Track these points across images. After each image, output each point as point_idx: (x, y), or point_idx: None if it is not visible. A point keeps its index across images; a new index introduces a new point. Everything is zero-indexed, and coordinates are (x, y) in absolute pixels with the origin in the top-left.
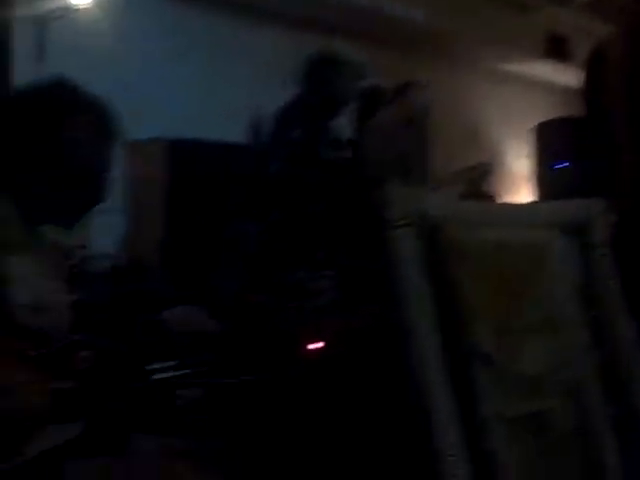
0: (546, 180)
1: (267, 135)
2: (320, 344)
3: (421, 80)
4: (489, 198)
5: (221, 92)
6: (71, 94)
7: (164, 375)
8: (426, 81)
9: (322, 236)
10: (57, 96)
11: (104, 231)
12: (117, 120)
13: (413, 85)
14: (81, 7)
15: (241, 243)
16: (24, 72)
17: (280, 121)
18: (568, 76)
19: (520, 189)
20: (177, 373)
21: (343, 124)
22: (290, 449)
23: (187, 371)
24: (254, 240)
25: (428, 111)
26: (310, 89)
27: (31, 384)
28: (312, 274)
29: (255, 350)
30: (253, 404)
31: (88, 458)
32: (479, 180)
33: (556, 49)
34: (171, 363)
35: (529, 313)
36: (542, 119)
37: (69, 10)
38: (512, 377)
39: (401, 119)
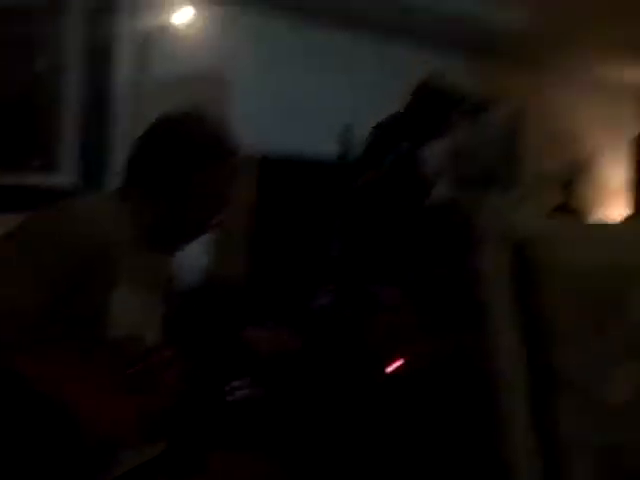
0: None
1: (362, 150)
2: (400, 362)
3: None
4: (581, 211)
5: (316, 106)
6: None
7: (245, 393)
8: (514, 95)
9: (408, 253)
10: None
11: (193, 248)
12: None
13: (494, 101)
14: (180, 25)
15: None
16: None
17: (384, 135)
18: None
19: (616, 202)
20: (257, 391)
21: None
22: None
23: (268, 390)
24: (342, 256)
25: (515, 126)
26: (417, 116)
27: (121, 408)
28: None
29: (338, 369)
30: (332, 425)
31: (170, 476)
32: (573, 188)
33: None
34: (253, 381)
35: (618, 339)
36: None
37: (169, 27)
38: (597, 406)
39: (486, 135)
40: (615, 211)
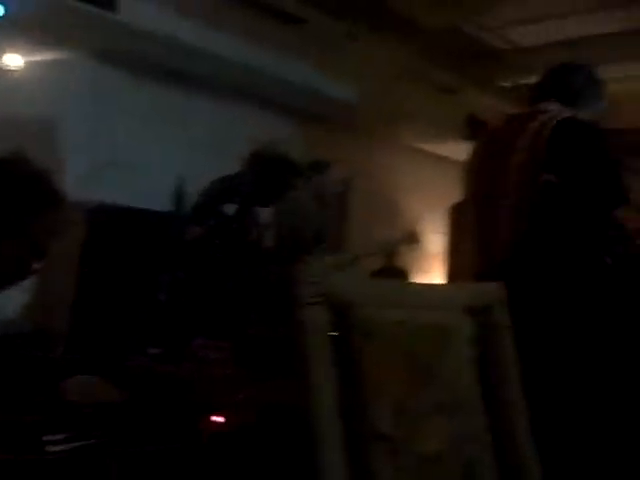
0: (458, 259)
1: (193, 204)
2: (221, 418)
3: (337, 159)
4: (404, 275)
5: (148, 159)
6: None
7: (61, 447)
8: (342, 160)
9: (227, 305)
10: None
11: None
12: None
13: (328, 164)
14: (13, 68)
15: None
16: None
17: (215, 195)
18: None
19: (434, 266)
20: (75, 444)
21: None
22: None
23: (86, 442)
24: (169, 310)
25: (343, 190)
26: (252, 179)
27: None
28: (211, 342)
29: (159, 421)
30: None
31: None
32: (397, 252)
33: (476, 132)
34: (69, 434)
35: (429, 394)
36: (459, 199)
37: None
38: (410, 457)
39: (316, 197)
40: (435, 274)
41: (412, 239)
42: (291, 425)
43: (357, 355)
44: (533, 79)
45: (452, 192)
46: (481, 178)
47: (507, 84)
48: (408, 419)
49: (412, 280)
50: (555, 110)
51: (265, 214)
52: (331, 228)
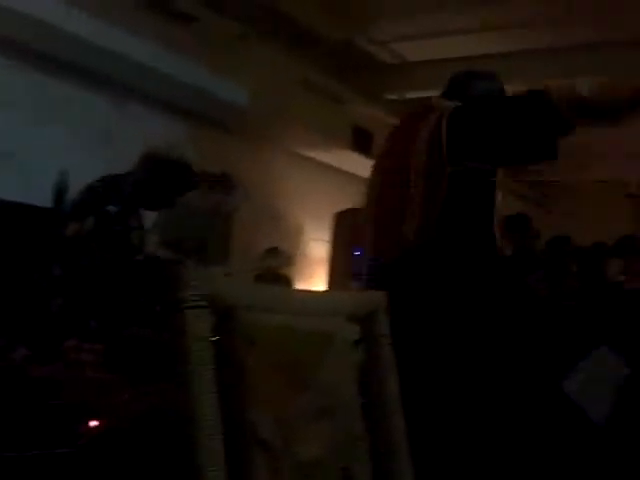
0: (341, 266)
1: (72, 201)
2: (96, 422)
3: (238, 178)
4: (286, 281)
5: (33, 153)
6: None
7: None
8: (243, 181)
9: (102, 307)
10: None
11: None
12: None
13: (229, 178)
14: None
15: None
16: None
17: (97, 194)
18: (368, 169)
19: (318, 272)
20: None
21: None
22: None
23: None
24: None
25: (239, 207)
26: (141, 181)
27: None
28: (84, 344)
29: (35, 424)
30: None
31: None
32: (278, 263)
33: (362, 142)
34: None
35: (310, 400)
36: (342, 207)
37: None
38: (290, 463)
39: (211, 208)
40: (317, 280)
41: (288, 262)
42: (169, 430)
43: (239, 360)
44: (419, 94)
45: (336, 200)
46: (386, 168)
47: (394, 97)
48: (289, 425)
49: (295, 286)
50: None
51: (151, 218)
52: (218, 238)
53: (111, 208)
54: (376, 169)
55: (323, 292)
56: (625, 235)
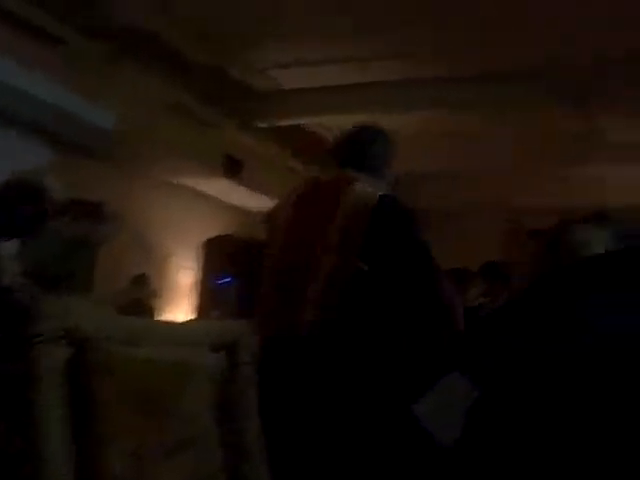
0: (209, 293)
1: None
2: None
3: (111, 207)
4: (151, 310)
5: None
6: None
7: None
8: (116, 211)
9: None
10: None
11: None
12: None
13: (100, 207)
14: None
15: None
16: None
17: None
18: (240, 196)
19: (185, 300)
20: None
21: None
22: None
23: None
24: None
25: (111, 237)
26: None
27: None
28: None
29: None
30: None
31: None
32: (141, 293)
33: (232, 169)
34: None
35: (171, 432)
36: (211, 235)
37: None
38: None
39: (79, 237)
40: (184, 309)
41: (154, 292)
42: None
43: (93, 393)
44: (291, 121)
45: (205, 228)
46: (288, 245)
47: (265, 125)
48: (145, 460)
49: (160, 314)
50: (363, 185)
51: (10, 246)
52: (84, 267)
53: None
54: (279, 232)
55: (185, 322)
56: (488, 261)
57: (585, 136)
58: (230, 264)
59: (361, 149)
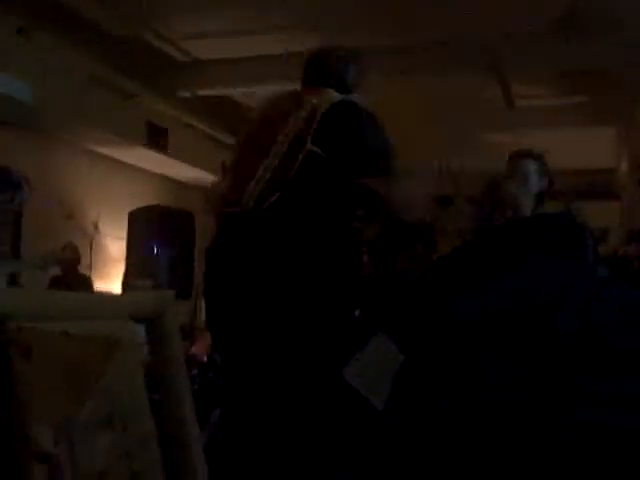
0: (137, 263)
1: None
2: None
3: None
4: (84, 279)
5: None
6: None
7: None
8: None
9: None
10: None
11: None
12: None
13: (9, 173)
14: None
15: None
16: None
17: None
18: (166, 165)
19: (114, 270)
20: None
21: None
22: None
23: None
24: None
25: (24, 203)
26: None
27: None
28: None
29: None
30: None
31: None
32: (70, 262)
33: (156, 139)
34: None
35: (95, 407)
36: (139, 204)
37: None
38: (74, 476)
39: None
40: (115, 279)
41: (78, 259)
42: None
43: (16, 372)
44: (212, 91)
45: (132, 197)
46: (248, 143)
47: (187, 94)
48: (73, 435)
49: (94, 285)
50: (327, 94)
51: None
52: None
53: None
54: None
55: (105, 294)
56: (416, 223)
57: (496, 102)
58: (157, 234)
59: (326, 67)
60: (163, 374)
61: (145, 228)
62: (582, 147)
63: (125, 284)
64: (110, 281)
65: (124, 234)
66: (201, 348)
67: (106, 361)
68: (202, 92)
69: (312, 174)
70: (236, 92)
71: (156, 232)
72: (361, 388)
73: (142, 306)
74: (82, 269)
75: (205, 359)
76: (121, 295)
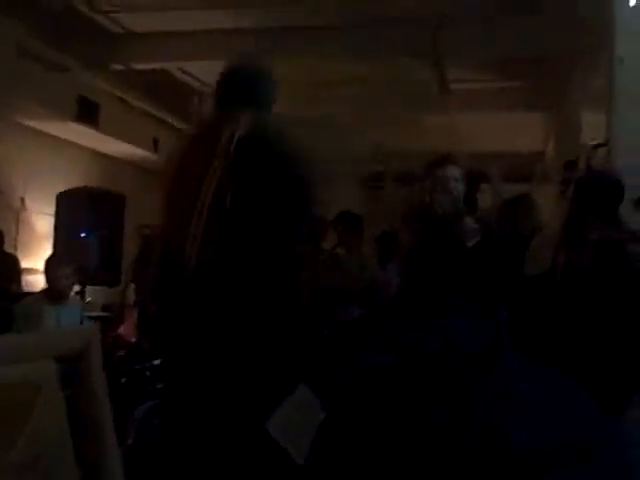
0: (68, 245)
1: None
2: None
3: None
4: (9, 258)
5: None
6: None
7: None
8: None
9: None
10: None
11: None
12: None
13: None
14: None
15: None
16: None
17: None
18: (98, 141)
19: (43, 247)
20: None
21: None
22: None
23: None
24: None
25: None
26: None
27: None
28: None
29: None
30: None
31: None
32: None
33: (87, 113)
34: None
35: (17, 455)
36: (70, 181)
37: None
38: None
39: None
40: (42, 256)
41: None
42: None
43: None
44: (145, 65)
45: (63, 173)
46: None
47: (120, 67)
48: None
49: (21, 262)
50: (239, 124)
51: None
52: None
53: None
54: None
55: (29, 336)
56: (343, 210)
57: (431, 85)
58: (86, 217)
59: (242, 87)
60: (87, 414)
61: (74, 211)
62: (515, 131)
63: (48, 269)
64: (36, 259)
65: (52, 210)
66: (129, 329)
67: (31, 407)
68: (136, 66)
69: (239, 220)
70: (171, 66)
71: (85, 215)
72: (282, 441)
73: (67, 345)
74: (7, 247)
75: (133, 339)
76: (43, 336)
